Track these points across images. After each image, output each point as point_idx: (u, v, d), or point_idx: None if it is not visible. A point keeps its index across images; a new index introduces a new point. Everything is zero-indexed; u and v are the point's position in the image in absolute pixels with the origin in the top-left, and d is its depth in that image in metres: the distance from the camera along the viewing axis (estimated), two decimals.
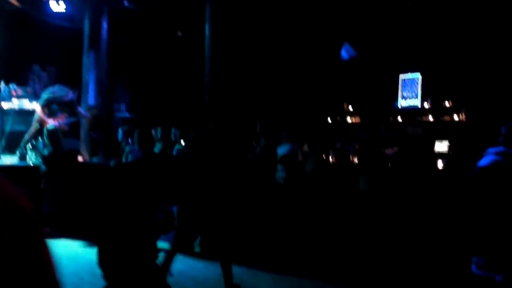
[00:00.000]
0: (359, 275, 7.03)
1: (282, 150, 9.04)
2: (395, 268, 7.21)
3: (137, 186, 3.38)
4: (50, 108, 10.24)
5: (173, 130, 9.05)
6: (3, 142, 10.73)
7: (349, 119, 13.77)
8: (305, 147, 10.16)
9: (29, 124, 10.94)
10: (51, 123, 9.91)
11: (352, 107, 13.82)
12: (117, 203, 3.37)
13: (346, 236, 8.56)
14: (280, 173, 8.78)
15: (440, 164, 11.26)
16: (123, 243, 3.36)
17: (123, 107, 13.93)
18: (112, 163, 9.26)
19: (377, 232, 8.36)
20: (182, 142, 8.71)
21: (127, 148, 8.86)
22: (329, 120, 13.89)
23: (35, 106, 10.56)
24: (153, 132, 9.83)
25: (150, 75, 13.94)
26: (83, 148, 11.31)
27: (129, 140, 9.32)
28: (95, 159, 11.17)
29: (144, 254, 3.43)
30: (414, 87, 12.44)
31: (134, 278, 3.42)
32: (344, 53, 11.06)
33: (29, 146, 9.93)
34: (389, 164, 9.29)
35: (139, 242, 3.41)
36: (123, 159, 8.80)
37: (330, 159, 10.94)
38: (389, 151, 10.47)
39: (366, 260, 7.54)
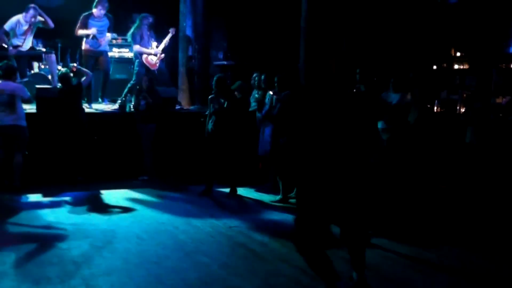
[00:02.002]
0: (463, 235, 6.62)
1: (389, 99, 8.46)
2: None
3: None
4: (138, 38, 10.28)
5: (263, 77, 8.86)
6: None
7: (456, 66, 13.00)
8: (408, 96, 9.60)
9: (129, 73, 11.11)
10: (151, 49, 10.07)
11: (460, 53, 13.02)
12: None
13: (449, 192, 8.11)
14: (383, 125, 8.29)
15: None
16: None
17: (221, 55, 13.84)
18: (207, 112, 9.20)
19: (483, 188, 7.85)
20: (270, 92, 8.43)
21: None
22: (434, 67, 13.18)
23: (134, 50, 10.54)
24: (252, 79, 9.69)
25: (248, 21, 13.69)
26: (181, 96, 11.39)
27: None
28: (192, 108, 11.20)
29: None
30: None
31: None
32: None
33: (129, 96, 10.05)
34: (500, 114, 8.61)
35: None
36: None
37: (435, 108, 10.34)
38: (500, 100, 9.76)
39: (471, 219, 7.10)
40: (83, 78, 9.15)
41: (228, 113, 8.26)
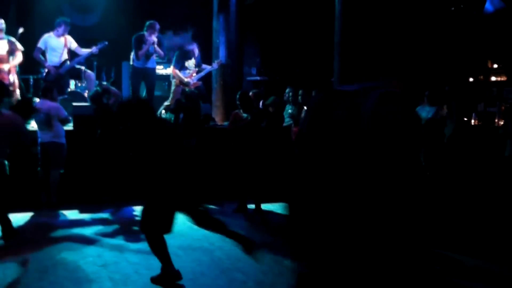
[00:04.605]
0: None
1: (425, 112, 8.30)
2: None
3: None
4: (180, 63, 10.44)
5: (300, 92, 8.81)
6: None
7: (493, 78, 12.77)
8: (444, 109, 9.47)
9: (163, 90, 11.19)
10: (187, 79, 10.15)
11: (497, 64, 12.78)
12: None
13: (488, 207, 7.93)
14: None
15: None
16: None
17: (254, 70, 13.89)
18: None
19: None
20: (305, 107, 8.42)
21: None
22: (470, 79, 12.97)
23: (170, 71, 10.72)
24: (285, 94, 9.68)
25: (281, 37, 13.71)
26: (215, 112, 11.42)
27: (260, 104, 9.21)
28: (226, 123, 11.21)
29: None
30: None
31: None
32: (489, 5, 10.10)
33: (164, 112, 10.12)
34: None
35: None
36: None
37: (472, 121, 10.14)
38: None
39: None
40: (111, 99, 9.15)
41: (255, 128, 8.25)
